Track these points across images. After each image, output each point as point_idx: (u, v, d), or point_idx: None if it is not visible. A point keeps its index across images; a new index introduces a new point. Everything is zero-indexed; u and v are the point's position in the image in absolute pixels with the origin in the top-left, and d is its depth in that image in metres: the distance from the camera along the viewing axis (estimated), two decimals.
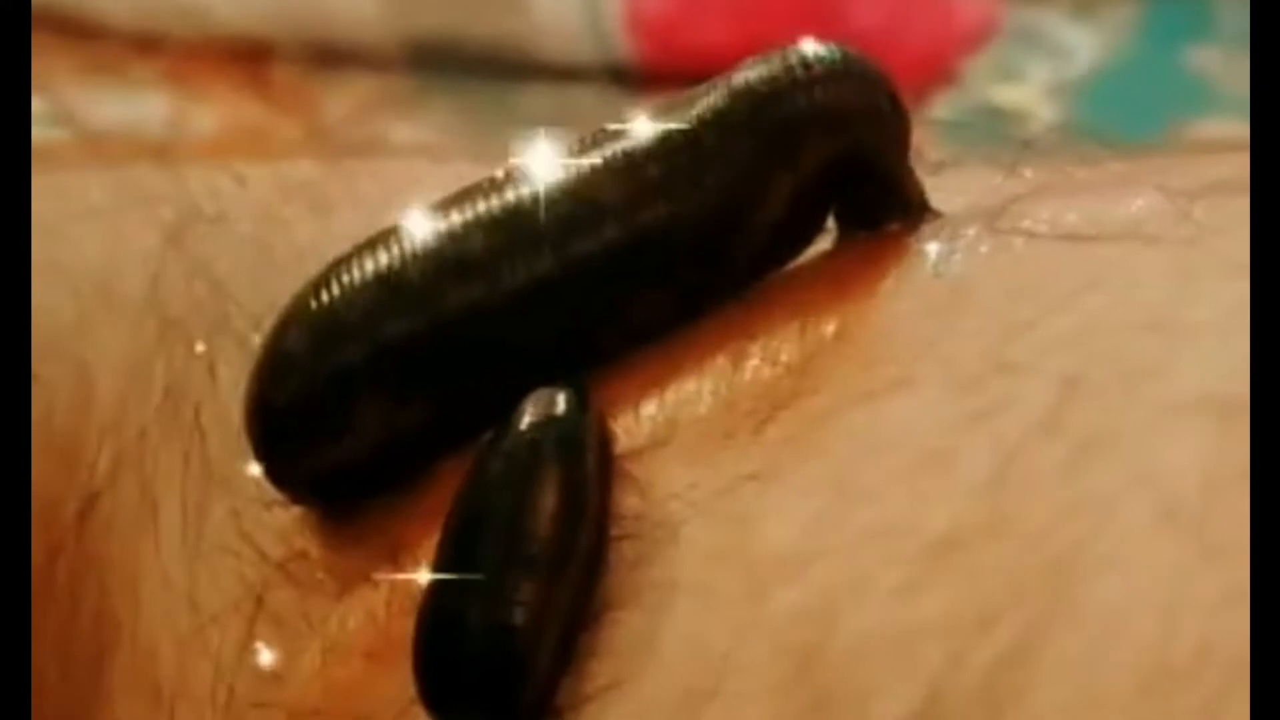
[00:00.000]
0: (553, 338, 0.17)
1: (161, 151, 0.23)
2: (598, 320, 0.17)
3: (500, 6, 0.62)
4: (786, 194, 0.17)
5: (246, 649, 0.17)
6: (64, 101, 0.63)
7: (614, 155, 0.17)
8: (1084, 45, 0.61)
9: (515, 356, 0.17)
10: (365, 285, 0.17)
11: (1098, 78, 0.59)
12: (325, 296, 0.17)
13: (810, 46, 0.18)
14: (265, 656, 0.17)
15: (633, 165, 0.17)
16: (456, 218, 0.17)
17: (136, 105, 0.60)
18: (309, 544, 0.18)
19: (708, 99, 0.18)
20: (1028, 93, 0.58)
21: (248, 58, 0.66)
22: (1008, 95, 0.58)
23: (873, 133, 0.18)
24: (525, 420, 0.16)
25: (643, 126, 0.18)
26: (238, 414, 0.18)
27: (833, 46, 0.18)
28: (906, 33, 0.58)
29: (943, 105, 0.57)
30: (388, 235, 0.17)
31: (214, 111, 0.62)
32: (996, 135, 0.55)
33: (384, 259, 0.17)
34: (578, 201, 0.17)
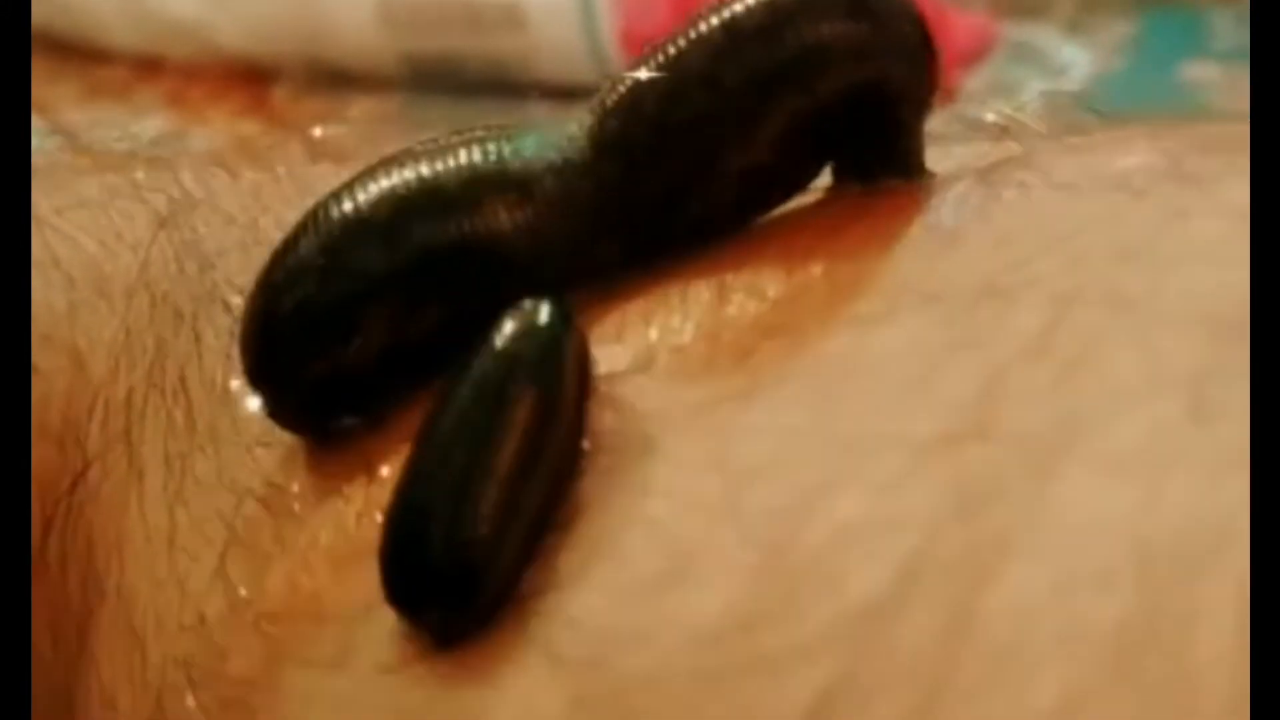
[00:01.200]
0: (563, 259, 0.17)
1: (157, 160, 0.24)
2: (629, 212, 0.17)
3: (499, 26, 0.62)
4: (797, 113, 0.17)
5: (218, 575, 0.17)
6: (66, 124, 0.64)
7: (622, 81, 0.17)
8: (1080, 61, 0.61)
9: (528, 277, 0.17)
10: (377, 198, 0.17)
11: (1093, 93, 0.59)
12: (342, 203, 0.17)
13: None
14: (235, 580, 0.17)
15: (636, 94, 0.17)
16: (476, 144, 0.17)
17: (138, 128, 0.61)
18: (288, 479, 0.18)
19: (732, 6, 0.17)
20: (1024, 108, 0.59)
21: (249, 79, 0.67)
22: (1004, 111, 0.58)
23: (899, 67, 0.18)
24: (505, 331, 0.16)
25: (661, 49, 0.17)
26: (223, 376, 0.18)
27: None
28: None
29: (940, 121, 0.57)
30: (395, 159, 0.17)
31: (214, 133, 0.63)
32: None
33: (405, 171, 0.17)
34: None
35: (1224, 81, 0.59)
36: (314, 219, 0.17)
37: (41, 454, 0.20)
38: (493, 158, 0.17)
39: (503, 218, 0.17)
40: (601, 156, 0.17)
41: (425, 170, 0.17)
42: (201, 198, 0.21)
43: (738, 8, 0.17)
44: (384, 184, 0.17)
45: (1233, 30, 0.61)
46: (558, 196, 0.17)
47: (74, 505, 0.20)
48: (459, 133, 0.17)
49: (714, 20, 0.17)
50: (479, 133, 0.17)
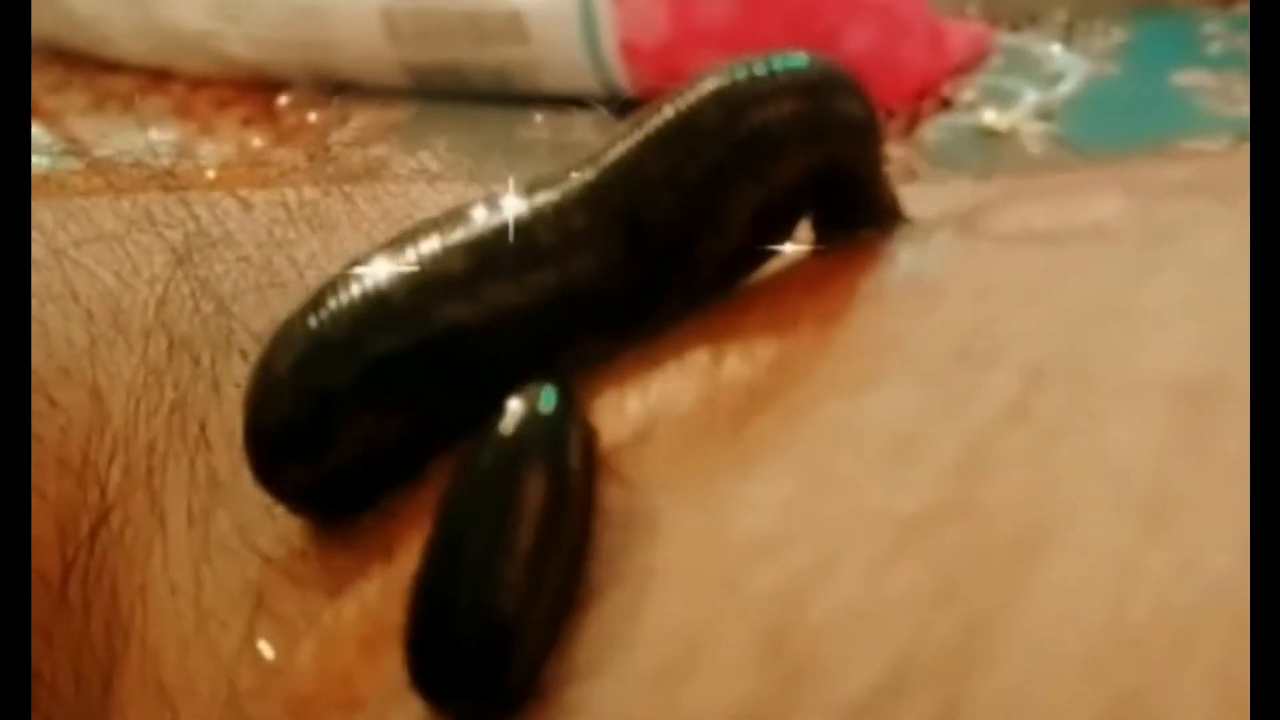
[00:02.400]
0: (530, 353, 0.17)
1: (168, 179, 0.24)
2: (584, 326, 0.17)
3: (501, 37, 0.62)
4: (759, 201, 0.18)
5: (247, 645, 0.18)
6: (76, 135, 0.64)
7: (584, 176, 0.18)
8: (1073, 68, 0.62)
9: (494, 371, 0.17)
10: (346, 308, 0.17)
11: (1087, 100, 0.60)
12: (308, 321, 0.18)
13: (784, 56, 0.18)
14: (264, 650, 0.18)
15: (602, 193, 0.18)
16: (436, 241, 0.18)
17: (146, 138, 0.61)
18: (308, 545, 0.18)
19: (681, 103, 0.17)
20: (1018, 115, 0.59)
21: (255, 90, 0.67)
22: (998, 118, 0.59)
23: (850, 143, 0.18)
24: (510, 415, 0.16)
25: (618, 147, 0.18)
26: (240, 426, 0.19)
27: (806, 55, 0.18)
28: (899, 58, 0.58)
29: (934, 128, 0.57)
30: (367, 259, 0.18)
31: (221, 143, 0.63)
32: (987, 157, 0.55)
33: (365, 283, 0.17)
34: (546, 228, 0.17)
35: (1216, 87, 0.59)
36: (287, 330, 0.18)
37: (61, 488, 0.20)
38: (454, 252, 0.17)
39: (461, 318, 0.17)
40: (573, 251, 0.17)
41: (383, 279, 0.17)
42: (217, 234, 0.22)
43: (691, 102, 0.18)
44: (347, 298, 0.17)
45: (1225, 37, 0.62)
46: (525, 298, 0.17)
47: (96, 549, 0.20)
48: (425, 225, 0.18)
49: (670, 115, 0.17)
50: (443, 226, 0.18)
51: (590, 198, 0.18)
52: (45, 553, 0.20)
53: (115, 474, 0.20)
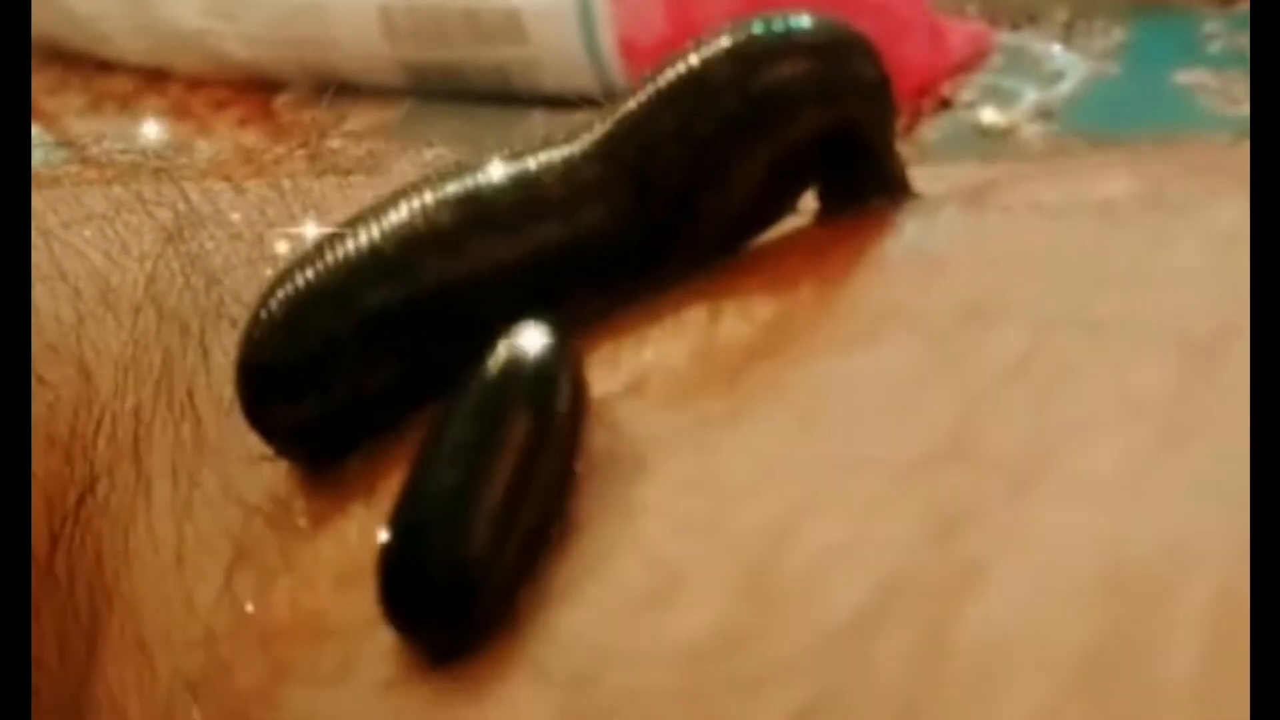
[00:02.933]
0: (529, 307, 0.17)
1: (160, 163, 0.24)
2: (569, 282, 0.17)
3: (500, 36, 0.62)
4: (770, 159, 0.17)
5: (225, 591, 0.18)
6: (72, 135, 0.64)
7: (594, 131, 0.18)
8: (1074, 67, 0.62)
9: (483, 325, 0.17)
10: (344, 257, 0.17)
11: (1087, 99, 0.60)
12: (305, 268, 0.18)
13: (799, 15, 0.18)
14: (241, 596, 0.18)
15: (612, 146, 0.18)
16: (438, 194, 0.17)
17: (142, 137, 0.61)
18: (292, 494, 0.18)
19: (695, 58, 0.17)
20: (1018, 114, 0.59)
21: (252, 89, 0.67)
22: (998, 117, 0.59)
23: (863, 106, 0.18)
24: (500, 354, 0.16)
25: (630, 102, 0.18)
26: (230, 392, 0.18)
27: (821, 15, 0.18)
28: (899, 57, 0.58)
29: (934, 127, 0.57)
30: (364, 213, 0.18)
31: (218, 142, 0.63)
32: (986, 156, 0.55)
33: (364, 234, 0.17)
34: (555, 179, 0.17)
35: (1216, 86, 0.59)
36: (285, 275, 0.18)
37: (49, 464, 0.20)
38: (452, 204, 0.17)
39: (459, 270, 0.17)
40: (582, 203, 0.17)
41: (375, 232, 0.17)
42: (208, 213, 0.22)
43: (705, 57, 0.17)
44: (340, 248, 0.17)
45: (1225, 36, 0.62)
46: (529, 250, 0.17)
47: (82, 518, 0.20)
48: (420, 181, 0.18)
49: (684, 68, 0.17)
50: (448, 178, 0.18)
51: (600, 151, 0.17)
52: (33, 530, 0.20)
53: (101, 444, 0.20)
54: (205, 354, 0.20)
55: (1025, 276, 0.16)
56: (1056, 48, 0.63)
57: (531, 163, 0.18)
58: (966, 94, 0.60)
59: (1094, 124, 0.58)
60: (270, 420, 0.18)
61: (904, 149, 0.19)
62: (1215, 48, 0.61)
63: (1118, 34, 0.63)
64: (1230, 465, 0.14)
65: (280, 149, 0.25)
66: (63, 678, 0.20)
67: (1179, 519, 0.14)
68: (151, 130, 0.63)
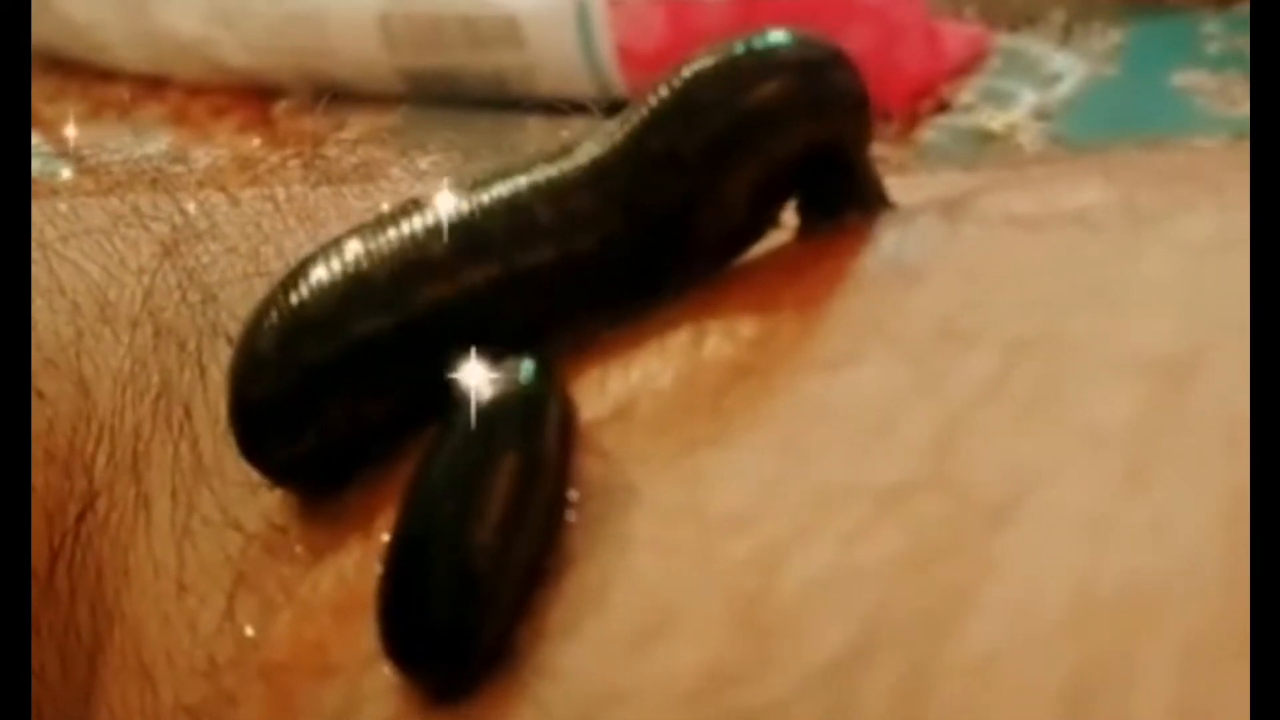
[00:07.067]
0: (510, 334, 0.17)
1: (158, 179, 0.24)
2: (563, 301, 0.18)
3: (497, 42, 0.62)
4: (758, 177, 0.18)
5: (226, 619, 0.18)
6: (71, 143, 0.64)
7: (583, 156, 0.18)
8: (1072, 70, 0.62)
9: (474, 352, 0.17)
10: (330, 284, 0.17)
11: (1085, 101, 0.60)
12: (294, 295, 0.18)
13: (779, 33, 0.18)
14: (243, 623, 0.18)
15: (602, 173, 0.18)
16: (424, 220, 0.18)
17: (141, 145, 0.61)
18: (290, 521, 0.18)
19: (679, 80, 0.18)
20: (1016, 117, 0.59)
21: (251, 96, 0.67)
22: (996, 119, 0.59)
23: (847, 120, 0.18)
24: (488, 386, 0.16)
25: (612, 126, 0.18)
26: (227, 411, 0.19)
27: (801, 32, 0.18)
28: (896, 60, 0.58)
29: (932, 130, 0.57)
30: (351, 236, 0.18)
31: (216, 149, 0.63)
32: (985, 158, 0.55)
33: (349, 258, 0.17)
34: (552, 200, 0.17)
35: (1215, 88, 0.59)
36: (271, 305, 0.18)
37: (48, 479, 0.20)
38: (441, 232, 0.18)
39: (447, 296, 0.17)
40: (573, 230, 0.18)
41: (363, 260, 0.17)
42: (204, 227, 0.22)
43: (690, 79, 0.18)
44: (327, 274, 0.17)
45: (1223, 37, 0.62)
46: (522, 274, 0.17)
47: (82, 535, 0.20)
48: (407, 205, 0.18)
49: (669, 92, 0.18)
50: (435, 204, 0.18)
51: (590, 178, 0.18)
52: (34, 545, 0.20)
53: (101, 461, 0.20)
54: (202, 372, 0.20)
55: (1000, 291, 0.17)
56: (1054, 50, 0.63)
57: (523, 187, 0.18)
58: (965, 96, 0.60)
59: (1092, 126, 0.58)
60: (266, 456, 0.18)
61: (902, 152, 0.19)
62: (1213, 49, 0.61)
63: (1115, 36, 0.63)
64: (1191, 503, 0.14)
65: (275, 157, 0.25)
66: (65, 693, 0.20)
67: (1146, 553, 0.14)
68: (150, 137, 0.63)
